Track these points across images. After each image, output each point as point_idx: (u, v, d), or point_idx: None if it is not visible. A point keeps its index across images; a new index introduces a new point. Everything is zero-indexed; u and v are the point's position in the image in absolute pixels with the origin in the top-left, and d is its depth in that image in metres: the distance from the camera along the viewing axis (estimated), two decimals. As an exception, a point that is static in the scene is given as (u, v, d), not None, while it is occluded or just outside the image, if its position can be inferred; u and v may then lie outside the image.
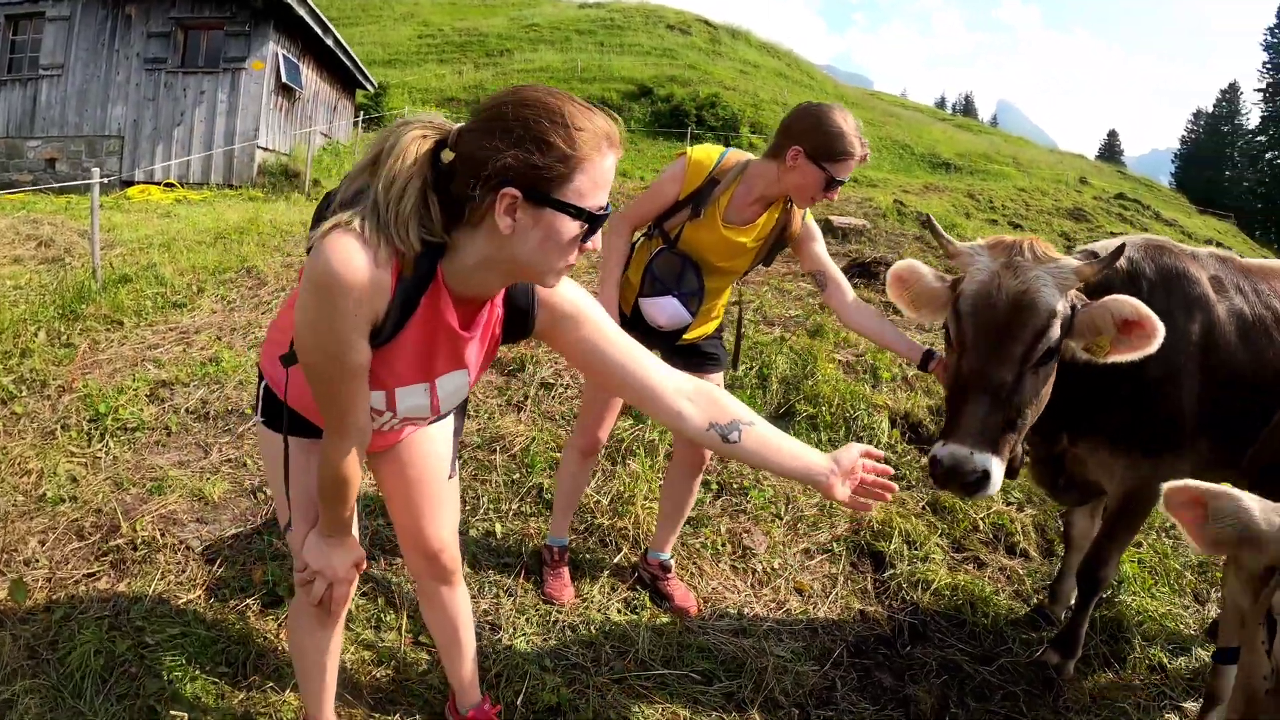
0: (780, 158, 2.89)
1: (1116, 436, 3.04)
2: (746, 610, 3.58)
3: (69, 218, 9.90)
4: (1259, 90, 63.90)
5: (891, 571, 3.94)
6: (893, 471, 2.05)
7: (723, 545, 3.94)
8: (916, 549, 4.10)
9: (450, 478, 2.32)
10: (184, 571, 3.34)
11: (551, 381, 5.26)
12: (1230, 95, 69.38)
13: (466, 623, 2.51)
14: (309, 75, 18.42)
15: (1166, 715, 3.36)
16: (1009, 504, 4.66)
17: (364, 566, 2.07)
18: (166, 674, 2.75)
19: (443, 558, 2.35)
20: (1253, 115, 65.58)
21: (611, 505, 4.00)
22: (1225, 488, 1.80)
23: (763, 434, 1.94)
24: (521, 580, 3.52)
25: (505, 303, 1.89)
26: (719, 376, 3.35)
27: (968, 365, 2.58)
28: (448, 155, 1.65)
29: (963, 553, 4.25)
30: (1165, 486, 1.84)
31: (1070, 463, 3.23)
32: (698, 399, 1.93)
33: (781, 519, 4.23)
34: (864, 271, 8.60)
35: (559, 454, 4.20)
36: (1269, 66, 62.98)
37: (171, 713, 2.59)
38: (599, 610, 3.41)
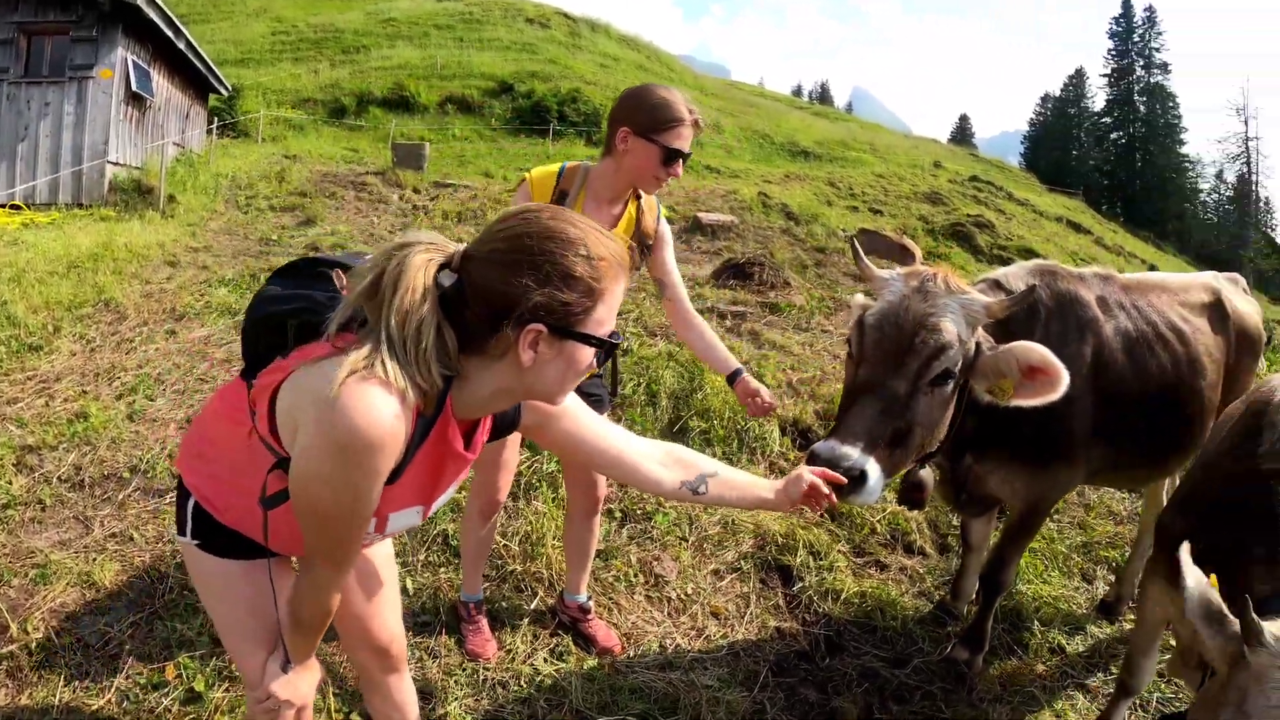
0: (612, 146, 2.89)
1: (1017, 455, 3.27)
2: (668, 642, 3.67)
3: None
4: (1104, 75, 69.95)
5: (800, 584, 4.12)
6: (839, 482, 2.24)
7: (635, 576, 4.03)
8: (821, 559, 4.29)
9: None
10: (87, 674, 3.17)
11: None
12: (1076, 80, 74.14)
13: (414, 706, 2.49)
14: (160, 82, 17.48)
15: (1070, 693, 3.65)
16: (902, 504, 4.88)
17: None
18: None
19: (393, 649, 2.32)
20: (1098, 99, 70.78)
21: (521, 548, 4.03)
22: (1197, 576, 1.98)
23: (723, 480, 2.15)
24: (443, 638, 3.51)
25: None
26: (604, 417, 3.37)
27: (863, 373, 2.73)
28: (448, 277, 1.58)
29: (864, 556, 4.48)
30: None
31: (973, 480, 3.44)
32: (668, 462, 2.11)
33: (687, 541, 4.35)
34: (739, 273, 8.81)
35: (460, 495, 4.19)
36: (1114, 53, 68.60)
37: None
38: (525, 662, 3.43)
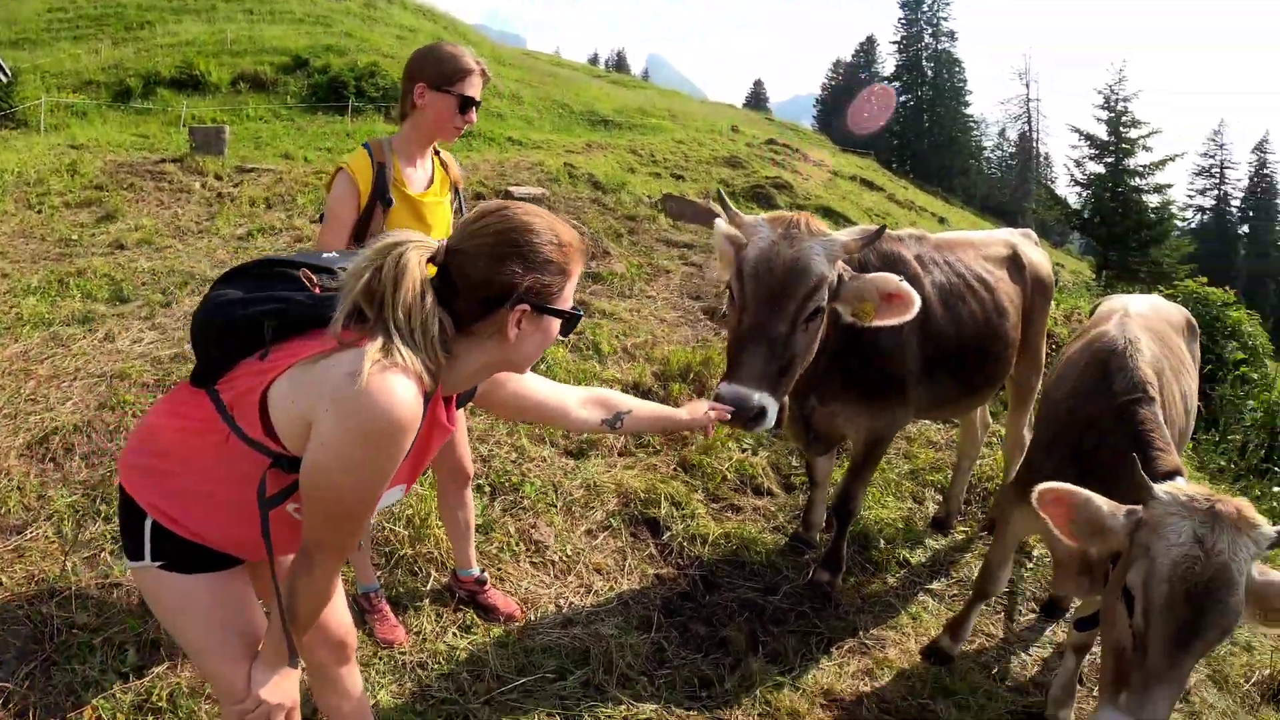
0: (410, 106, 3.15)
1: (860, 397, 3.82)
2: (562, 602, 3.97)
3: None
4: (894, 43, 74.46)
5: (669, 533, 4.52)
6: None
7: (516, 545, 4.29)
8: (683, 508, 4.70)
9: None
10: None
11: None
12: (868, 46, 78.45)
13: (365, 693, 2.61)
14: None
15: (921, 598, 4.31)
16: (744, 451, 5.41)
17: None
18: None
19: (349, 640, 2.41)
20: (888, 64, 75.31)
21: (408, 532, 4.17)
22: (1085, 492, 2.50)
23: (637, 415, 2.60)
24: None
25: None
26: None
27: (748, 320, 3.17)
28: (431, 269, 1.82)
29: (719, 502, 4.94)
30: (1037, 489, 2.52)
31: (820, 420, 3.95)
32: (589, 404, 2.52)
33: (556, 506, 4.63)
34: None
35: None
36: (904, 22, 73.31)
37: None
38: (438, 640, 3.62)
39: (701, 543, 4.46)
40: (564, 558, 4.26)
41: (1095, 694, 3.93)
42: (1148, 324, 3.53)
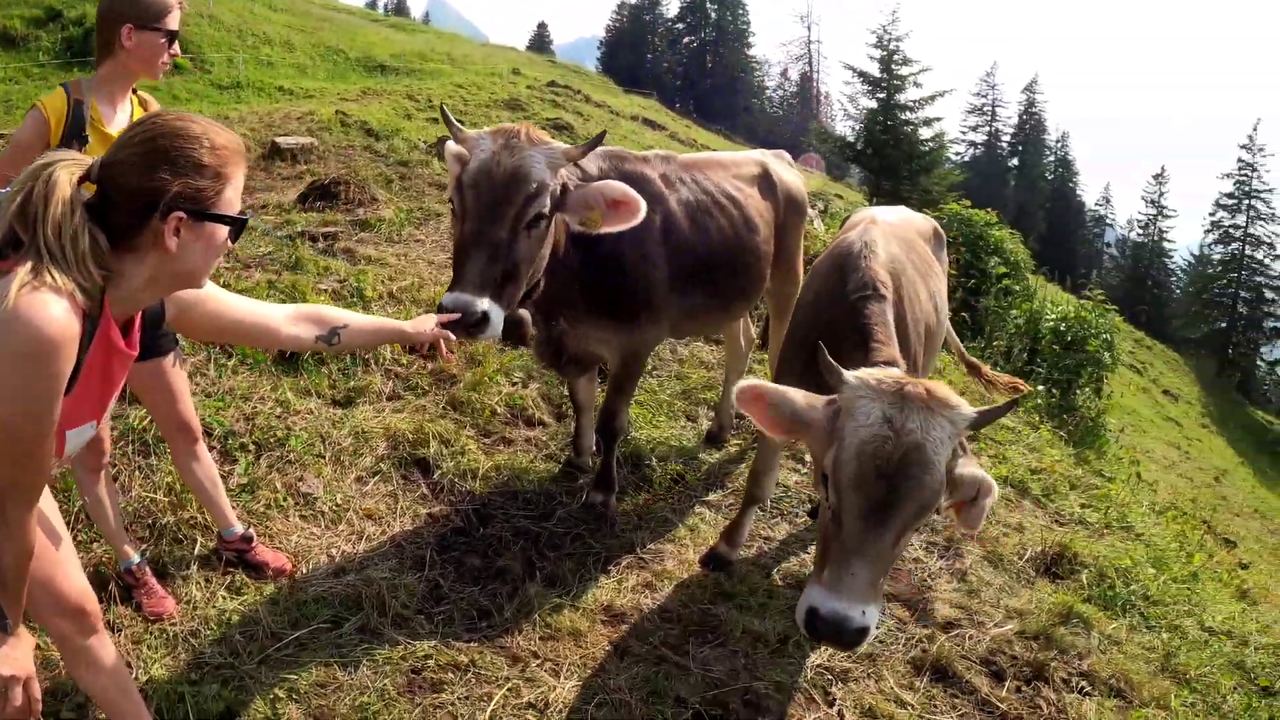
0: (116, 48, 3.06)
1: (610, 315, 3.87)
2: (334, 552, 3.88)
3: None
4: None
5: (439, 471, 4.48)
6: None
7: (284, 500, 4.14)
8: (452, 445, 4.66)
9: None
10: None
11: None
12: None
13: (123, 664, 2.48)
14: None
15: (698, 510, 4.50)
16: (514, 384, 5.41)
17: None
18: None
19: (87, 606, 2.27)
20: (672, 5, 75.90)
21: (168, 499, 3.94)
22: (780, 387, 2.61)
23: (355, 329, 2.54)
24: (121, 610, 3.39)
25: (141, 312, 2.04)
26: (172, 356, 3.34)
27: (469, 228, 3.18)
28: (89, 189, 1.76)
29: (490, 436, 4.93)
30: (736, 388, 2.61)
31: (571, 342, 4.00)
32: (299, 321, 2.45)
33: (325, 457, 4.49)
34: (325, 194, 8.70)
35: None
36: None
37: None
38: (209, 606, 3.47)
39: (473, 477, 4.45)
40: (334, 507, 4.15)
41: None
42: (894, 230, 3.73)
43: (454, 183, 3.29)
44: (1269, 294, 51.35)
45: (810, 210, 7.07)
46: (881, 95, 42.01)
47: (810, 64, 76.69)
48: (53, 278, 1.64)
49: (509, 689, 3.21)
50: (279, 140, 11.27)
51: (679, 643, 3.57)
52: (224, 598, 3.53)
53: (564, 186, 3.30)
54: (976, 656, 3.83)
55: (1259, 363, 50.70)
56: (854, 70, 44.23)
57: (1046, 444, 7.22)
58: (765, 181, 4.63)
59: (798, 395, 2.59)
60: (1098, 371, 9.78)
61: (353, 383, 5.04)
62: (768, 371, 5.78)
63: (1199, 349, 47.88)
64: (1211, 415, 29.20)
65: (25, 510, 1.80)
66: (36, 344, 1.61)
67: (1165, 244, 62.30)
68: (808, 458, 5.02)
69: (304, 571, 3.73)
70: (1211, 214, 54.39)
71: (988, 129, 69.53)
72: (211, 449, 4.10)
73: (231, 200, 1.90)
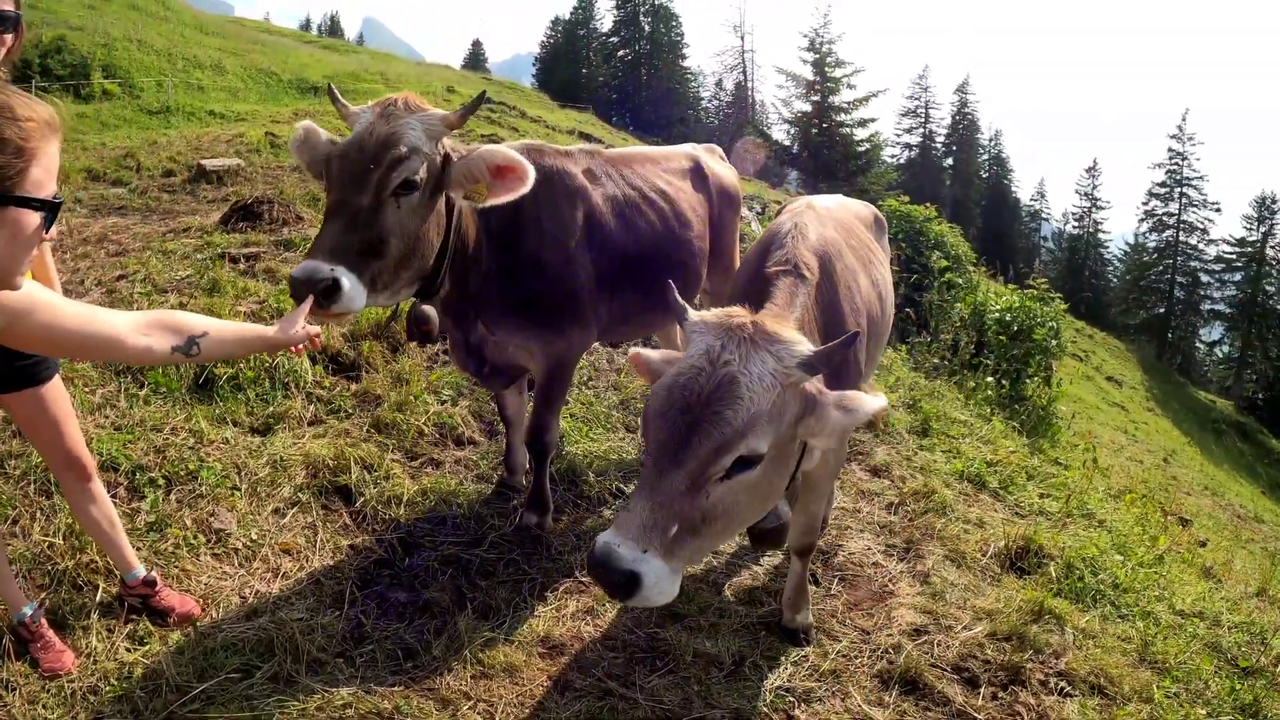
0: None
1: (531, 320, 3.60)
2: (247, 591, 3.58)
3: None
4: None
5: (362, 499, 4.18)
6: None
7: (195, 538, 3.81)
8: (376, 470, 4.36)
9: None
10: None
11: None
12: (586, 3, 78.20)
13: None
14: None
15: None
16: (443, 403, 5.12)
17: None
18: None
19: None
20: (606, 20, 76.12)
21: (67, 543, 3.62)
22: (650, 350, 2.53)
23: (216, 338, 2.30)
24: (16, 667, 3.07)
25: None
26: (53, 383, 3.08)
27: (332, 197, 2.95)
28: None
29: (418, 459, 4.64)
30: (628, 355, 2.53)
31: (492, 350, 3.73)
32: (153, 331, 2.16)
33: (240, 489, 4.17)
34: (248, 214, 8.40)
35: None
36: None
37: None
38: (109, 659, 3.18)
39: (398, 504, 4.15)
40: (248, 543, 3.84)
41: (830, 593, 3.98)
42: (831, 215, 3.57)
43: (323, 157, 3.06)
44: (1204, 278, 52.92)
45: (747, 212, 6.91)
46: (816, 98, 42.52)
47: (745, 73, 77.22)
48: None
49: (437, 736, 2.92)
50: (204, 163, 10.98)
51: (625, 673, 3.31)
52: (125, 649, 3.23)
53: (446, 156, 3.09)
54: (947, 664, 3.61)
55: (1198, 345, 52.20)
56: (787, 74, 44.79)
57: (1000, 435, 7.09)
58: (697, 175, 4.42)
59: (666, 352, 2.55)
60: (1046, 360, 9.78)
61: (271, 408, 4.72)
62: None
63: (1139, 335, 49.24)
64: (1155, 398, 29.65)
65: None
66: None
67: (1100, 235, 63.76)
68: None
69: (214, 616, 3.42)
70: (1144, 203, 56.06)
71: (922, 130, 70.55)
72: (119, 485, 3.86)
73: (40, 181, 1.63)
